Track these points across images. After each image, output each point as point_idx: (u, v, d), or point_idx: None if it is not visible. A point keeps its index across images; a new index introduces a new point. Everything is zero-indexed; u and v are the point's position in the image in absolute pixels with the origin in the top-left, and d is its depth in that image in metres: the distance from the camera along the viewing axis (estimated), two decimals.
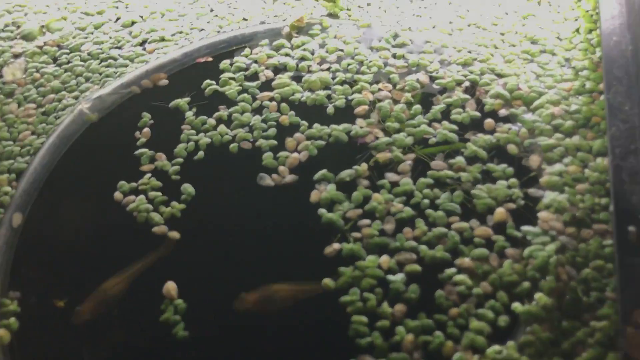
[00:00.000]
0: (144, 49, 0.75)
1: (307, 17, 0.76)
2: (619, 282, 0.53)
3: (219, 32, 0.76)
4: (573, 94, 0.67)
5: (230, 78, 0.71)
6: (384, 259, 0.56)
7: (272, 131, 0.66)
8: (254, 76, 0.71)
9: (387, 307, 0.54)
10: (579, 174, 0.61)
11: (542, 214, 0.58)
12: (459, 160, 0.62)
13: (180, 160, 0.65)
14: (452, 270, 0.56)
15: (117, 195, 0.63)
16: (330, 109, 0.68)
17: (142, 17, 0.79)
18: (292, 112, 0.68)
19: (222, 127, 0.67)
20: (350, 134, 0.65)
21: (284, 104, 0.68)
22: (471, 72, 0.69)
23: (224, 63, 0.72)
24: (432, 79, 0.69)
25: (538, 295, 0.53)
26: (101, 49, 0.76)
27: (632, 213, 0.56)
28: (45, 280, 0.59)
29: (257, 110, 0.68)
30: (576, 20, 0.74)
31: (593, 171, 0.61)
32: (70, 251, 0.61)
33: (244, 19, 0.78)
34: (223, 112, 0.68)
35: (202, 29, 0.77)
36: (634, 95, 0.63)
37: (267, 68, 0.71)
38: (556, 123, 0.65)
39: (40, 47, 0.76)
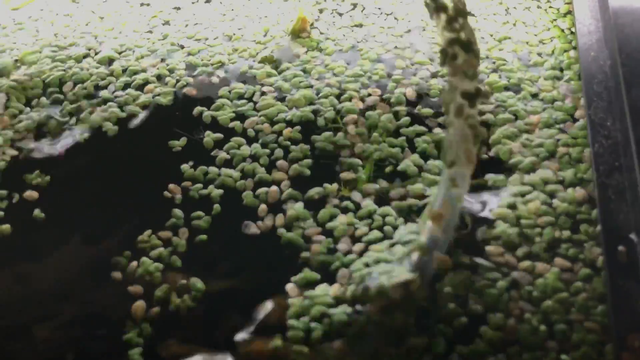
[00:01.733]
0: None
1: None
2: (611, 306, 0.49)
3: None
4: (541, 127, 0.64)
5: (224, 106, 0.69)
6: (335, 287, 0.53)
7: (279, 152, 0.64)
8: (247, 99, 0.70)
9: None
10: (543, 206, 0.57)
11: (490, 248, 0.55)
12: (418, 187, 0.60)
13: None
14: None
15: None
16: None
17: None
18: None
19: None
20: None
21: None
22: None
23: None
24: (409, 112, 0.67)
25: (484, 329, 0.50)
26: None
27: (620, 232, 0.53)
28: None
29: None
30: (551, 40, 0.72)
31: (562, 202, 0.58)
32: None
33: None
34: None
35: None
36: (615, 110, 0.61)
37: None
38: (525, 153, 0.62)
39: None
